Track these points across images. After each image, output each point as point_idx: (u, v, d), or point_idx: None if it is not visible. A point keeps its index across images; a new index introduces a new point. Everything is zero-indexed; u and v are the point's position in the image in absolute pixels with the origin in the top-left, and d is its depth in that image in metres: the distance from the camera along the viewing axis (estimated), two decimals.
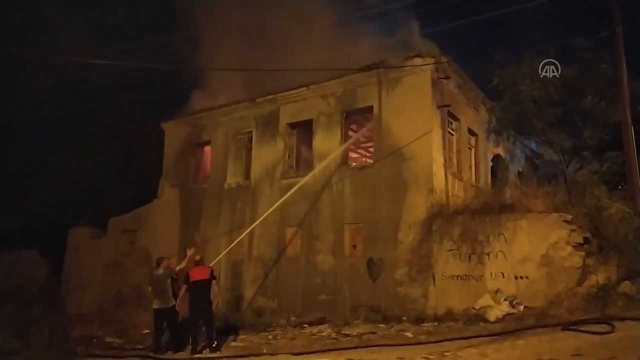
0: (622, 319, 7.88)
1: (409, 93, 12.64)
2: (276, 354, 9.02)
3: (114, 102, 19.24)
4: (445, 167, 12.67)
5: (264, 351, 9.47)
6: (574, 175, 12.93)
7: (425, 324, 10.44)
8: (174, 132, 17.62)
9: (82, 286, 17.12)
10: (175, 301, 10.15)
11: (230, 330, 11.61)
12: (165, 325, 10.26)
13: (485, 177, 15.59)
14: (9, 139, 23.36)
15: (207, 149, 17.00)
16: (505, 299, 10.08)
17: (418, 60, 12.54)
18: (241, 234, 13.50)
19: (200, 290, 9.95)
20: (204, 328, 10.05)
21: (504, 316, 9.73)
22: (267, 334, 11.54)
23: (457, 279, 10.95)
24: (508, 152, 16.89)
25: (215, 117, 16.50)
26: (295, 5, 18.44)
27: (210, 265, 11.18)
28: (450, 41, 14.59)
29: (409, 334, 9.75)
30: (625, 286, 9.24)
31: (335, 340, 10.01)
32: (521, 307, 9.85)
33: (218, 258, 12.87)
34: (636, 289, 9.15)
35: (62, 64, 17.93)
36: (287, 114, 14.84)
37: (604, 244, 10.06)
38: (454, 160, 13.73)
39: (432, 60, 12.49)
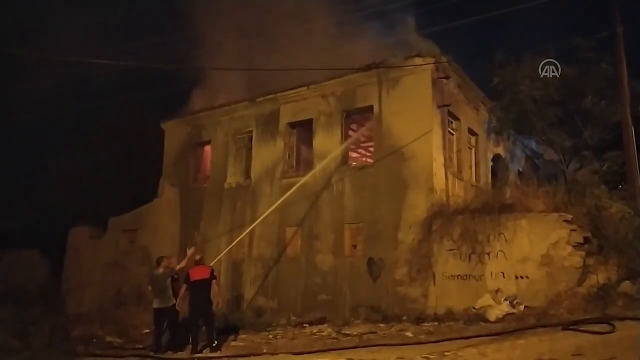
0: (622, 319, 7.87)
1: (409, 93, 12.63)
2: (276, 354, 9.00)
3: (114, 102, 19.24)
4: (446, 167, 12.67)
5: (264, 351, 9.46)
6: (574, 175, 12.94)
7: (426, 324, 10.44)
8: (174, 132, 17.62)
9: (82, 286, 17.13)
10: (176, 301, 10.15)
11: (231, 329, 11.61)
12: (165, 324, 10.25)
13: (486, 176, 15.60)
14: (9, 139, 23.39)
15: (207, 148, 17.00)
16: (505, 299, 10.08)
17: (418, 60, 12.55)
18: (241, 234, 13.50)
19: (201, 289, 9.95)
20: (204, 328, 10.05)
21: (504, 316, 9.73)
22: (267, 333, 11.54)
23: (457, 278, 10.95)
24: (508, 152, 16.89)
25: (216, 117, 16.50)
26: (295, 5, 18.46)
27: (211, 264, 11.17)
28: (450, 41, 14.62)
29: (409, 334, 9.75)
30: (626, 286, 9.24)
31: (335, 340, 10.01)
32: (521, 307, 9.85)
33: (218, 258, 12.87)
34: (636, 288, 9.14)
35: (62, 64, 17.93)
36: (288, 114, 14.84)
37: (604, 243, 10.06)
38: (454, 160, 13.73)
39: (432, 60, 12.49)
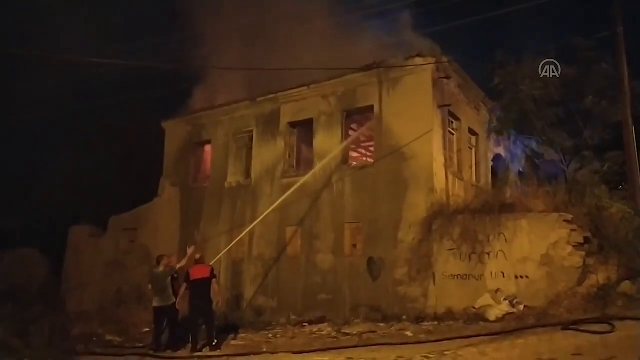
0: (622, 319, 7.87)
1: (410, 93, 12.64)
2: (276, 353, 9.01)
3: (114, 102, 19.22)
4: (446, 167, 12.67)
5: (264, 350, 9.47)
6: (575, 175, 12.92)
7: (425, 323, 10.44)
8: (174, 131, 17.62)
9: (82, 285, 17.11)
10: (176, 299, 10.16)
11: (230, 328, 11.63)
12: (165, 323, 10.26)
13: (486, 176, 15.60)
14: (9, 139, 23.37)
15: (208, 148, 17.00)
16: (505, 299, 10.09)
17: (419, 60, 12.55)
18: (241, 233, 13.52)
19: (201, 288, 9.96)
20: (204, 326, 10.06)
21: (504, 316, 9.74)
22: (267, 332, 11.55)
23: (457, 278, 10.96)
24: (509, 152, 16.86)
25: (216, 116, 16.50)
26: (295, 5, 18.47)
27: (211, 264, 11.18)
28: (450, 41, 14.59)
29: (409, 333, 9.76)
30: (626, 286, 9.24)
31: (335, 339, 10.01)
32: (521, 307, 9.85)
33: (218, 257, 12.89)
34: (636, 288, 9.14)
35: (62, 64, 17.93)
36: (288, 113, 14.84)
37: (605, 243, 10.07)
38: (455, 160, 13.73)
39: (432, 60, 12.49)
